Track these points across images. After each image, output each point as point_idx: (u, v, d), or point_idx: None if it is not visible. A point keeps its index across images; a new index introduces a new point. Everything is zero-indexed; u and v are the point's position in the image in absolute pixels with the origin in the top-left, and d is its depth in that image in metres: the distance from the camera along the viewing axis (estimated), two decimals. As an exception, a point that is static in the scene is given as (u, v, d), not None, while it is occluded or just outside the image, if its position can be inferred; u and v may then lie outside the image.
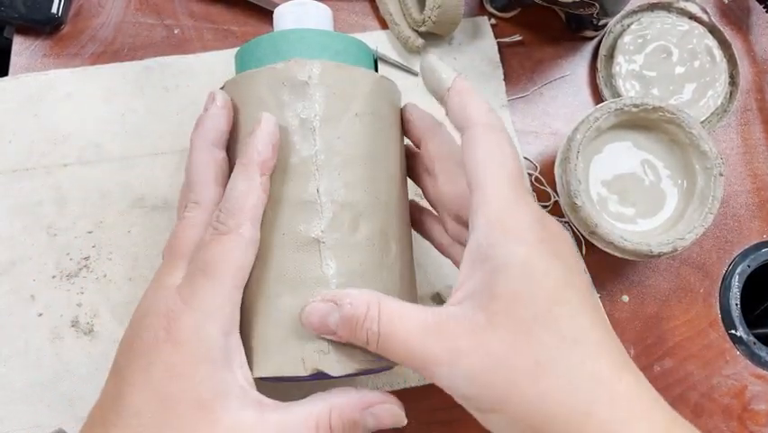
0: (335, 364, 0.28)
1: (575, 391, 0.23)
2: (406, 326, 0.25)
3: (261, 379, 0.29)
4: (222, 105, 0.30)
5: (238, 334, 0.28)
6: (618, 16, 0.47)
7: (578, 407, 0.22)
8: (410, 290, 0.32)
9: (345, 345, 0.28)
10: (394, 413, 0.28)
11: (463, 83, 0.28)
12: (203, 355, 0.26)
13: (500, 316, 0.23)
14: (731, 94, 0.47)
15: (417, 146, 0.33)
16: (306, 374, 0.28)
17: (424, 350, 0.24)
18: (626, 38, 0.47)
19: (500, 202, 0.25)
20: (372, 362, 0.28)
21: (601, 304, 0.23)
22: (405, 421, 0.28)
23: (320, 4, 0.33)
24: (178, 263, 0.28)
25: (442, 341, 0.24)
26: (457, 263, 0.31)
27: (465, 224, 0.29)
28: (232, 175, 0.28)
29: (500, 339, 0.23)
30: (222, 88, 0.32)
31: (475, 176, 0.26)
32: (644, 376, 0.24)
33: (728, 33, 0.48)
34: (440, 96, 0.30)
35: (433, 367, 0.24)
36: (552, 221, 0.26)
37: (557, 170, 0.42)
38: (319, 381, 0.29)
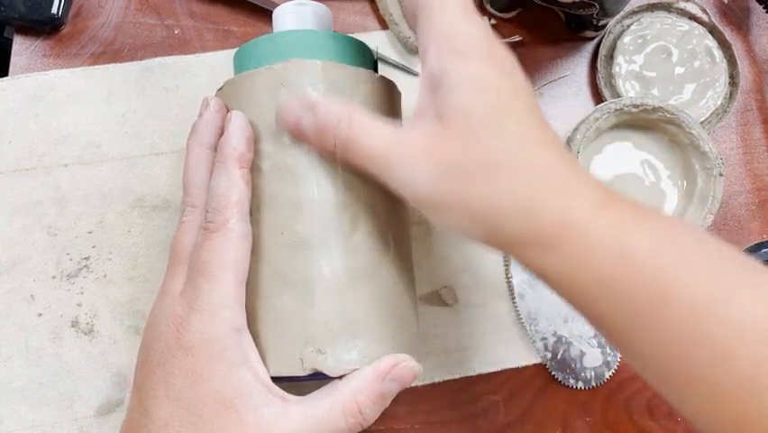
0: (334, 364, 0.28)
1: (521, 182, 0.25)
2: (371, 135, 0.27)
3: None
4: (216, 110, 0.31)
5: (248, 331, 0.28)
6: (618, 17, 0.47)
7: (523, 195, 0.25)
8: (409, 290, 0.32)
9: (344, 345, 0.28)
10: (411, 368, 0.29)
11: None
12: (217, 355, 0.26)
13: (454, 126, 0.25)
14: (731, 94, 0.47)
15: None
16: (304, 374, 0.28)
17: (386, 155, 0.26)
18: (626, 38, 0.47)
19: (446, 23, 0.26)
20: (371, 362, 0.28)
21: (544, 118, 0.27)
22: (421, 369, 0.29)
23: (319, 4, 0.33)
24: (180, 268, 0.29)
25: (403, 148, 0.26)
26: None
27: None
28: (213, 173, 0.29)
29: (454, 145, 0.25)
30: (221, 89, 0.32)
31: (422, 2, 0.27)
32: (583, 169, 0.27)
33: (728, 34, 0.48)
34: None
35: (394, 170, 0.26)
36: (496, 39, 0.27)
37: (557, 171, 0.42)
38: (318, 381, 0.29)
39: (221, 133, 0.30)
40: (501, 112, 0.25)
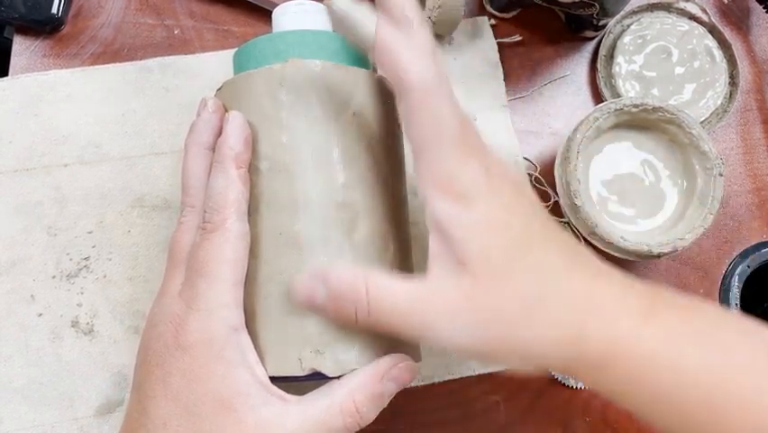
0: (332, 364, 0.28)
1: (561, 314, 0.25)
2: (395, 296, 0.25)
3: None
4: (214, 110, 0.31)
5: (246, 330, 0.28)
6: (618, 17, 0.47)
7: (567, 326, 0.25)
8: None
9: (343, 346, 0.28)
10: (410, 369, 0.29)
11: (386, 36, 0.26)
12: (215, 355, 0.26)
13: (481, 274, 0.25)
14: (731, 94, 0.47)
15: None
16: (303, 374, 0.28)
17: (417, 314, 0.25)
18: (626, 38, 0.47)
19: (442, 168, 0.25)
20: (369, 362, 0.28)
21: (563, 228, 0.27)
22: (419, 370, 0.30)
23: (319, 4, 0.33)
24: (179, 269, 0.29)
25: (434, 305, 0.25)
26: None
27: None
28: (211, 174, 0.29)
29: (487, 293, 0.24)
30: (220, 89, 0.32)
31: (417, 146, 0.26)
32: (619, 272, 0.27)
33: (728, 34, 0.48)
34: (364, 49, 0.29)
35: (429, 333, 0.25)
36: (498, 165, 0.27)
37: (557, 171, 0.42)
38: (316, 382, 0.29)
39: (219, 134, 0.30)
40: (522, 247, 0.25)
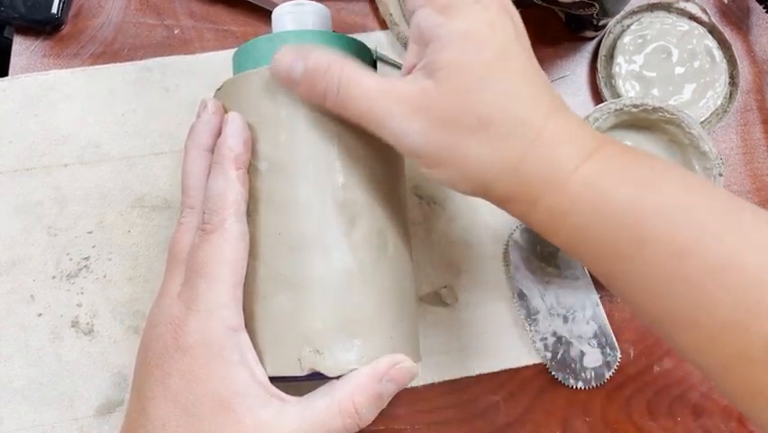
0: (331, 364, 0.28)
1: (509, 141, 0.25)
2: (363, 85, 0.27)
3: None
4: (213, 111, 0.31)
5: (245, 331, 0.28)
6: (618, 17, 0.47)
7: (511, 154, 0.25)
8: (408, 290, 0.32)
9: (342, 346, 0.28)
10: (409, 369, 0.29)
11: None
12: (214, 355, 0.26)
13: (446, 83, 0.25)
14: (731, 94, 0.47)
15: None
16: (302, 374, 0.28)
17: (379, 107, 0.26)
18: (626, 38, 0.47)
19: None
20: (369, 362, 0.28)
21: (540, 68, 0.27)
22: (418, 371, 0.29)
23: (318, 4, 0.33)
24: (178, 269, 0.29)
25: (395, 101, 0.26)
26: None
27: None
28: (210, 175, 0.29)
29: (446, 101, 0.25)
30: (220, 89, 0.32)
31: None
32: (579, 117, 0.27)
33: (728, 34, 0.48)
34: None
35: (387, 122, 0.26)
36: None
37: (557, 171, 0.42)
38: (316, 381, 0.29)
39: (218, 135, 0.30)
40: (492, 68, 0.25)
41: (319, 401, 0.27)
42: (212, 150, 0.30)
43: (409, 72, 0.28)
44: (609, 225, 0.25)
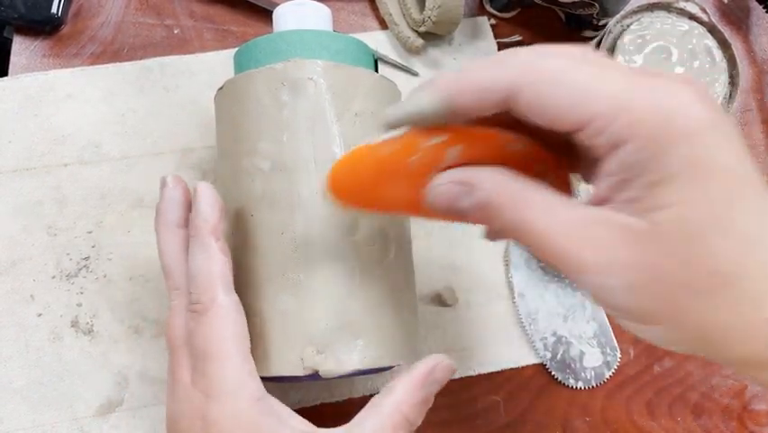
0: (333, 365, 0.28)
1: (746, 301, 0.19)
2: (550, 225, 0.21)
3: (261, 379, 0.29)
4: (174, 186, 0.30)
5: (269, 395, 0.27)
6: (618, 16, 0.47)
7: (748, 316, 0.19)
8: (409, 290, 0.32)
9: (345, 346, 0.28)
10: (449, 366, 0.28)
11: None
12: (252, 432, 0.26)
13: (666, 225, 0.19)
14: (731, 94, 0.47)
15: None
16: (304, 374, 0.28)
17: (571, 255, 0.21)
18: (626, 38, 0.47)
19: (628, 90, 0.20)
20: (372, 363, 0.28)
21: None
22: (455, 367, 0.29)
23: (319, 4, 0.33)
24: (181, 354, 0.28)
25: (592, 248, 0.20)
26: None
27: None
28: (189, 251, 0.28)
29: (664, 251, 0.19)
30: (221, 89, 0.32)
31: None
32: None
33: (728, 34, 0.48)
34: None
35: (582, 275, 0.21)
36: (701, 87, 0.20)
37: (557, 171, 0.42)
38: (317, 381, 0.29)
39: (186, 207, 0.29)
40: (730, 202, 0.19)
41: (369, 422, 0.27)
42: (182, 224, 0.29)
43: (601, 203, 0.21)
44: None
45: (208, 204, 0.28)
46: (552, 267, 0.23)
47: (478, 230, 0.43)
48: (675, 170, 0.19)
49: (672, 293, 0.20)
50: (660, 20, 0.48)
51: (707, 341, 0.20)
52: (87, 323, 0.39)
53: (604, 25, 0.47)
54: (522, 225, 0.22)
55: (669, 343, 0.22)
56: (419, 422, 0.28)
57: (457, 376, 0.40)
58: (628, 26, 0.48)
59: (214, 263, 0.27)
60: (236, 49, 0.33)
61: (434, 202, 0.24)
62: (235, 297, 0.28)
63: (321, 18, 0.33)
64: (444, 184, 0.23)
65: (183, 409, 0.27)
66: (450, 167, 0.23)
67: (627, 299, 0.20)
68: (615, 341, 0.42)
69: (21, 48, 0.44)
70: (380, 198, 0.26)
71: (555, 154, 0.24)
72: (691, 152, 0.19)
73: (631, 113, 0.19)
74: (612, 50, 0.47)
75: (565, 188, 0.25)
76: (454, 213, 0.23)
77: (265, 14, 0.45)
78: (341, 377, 0.28)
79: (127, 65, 0.44)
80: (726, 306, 0.19)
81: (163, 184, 0.30)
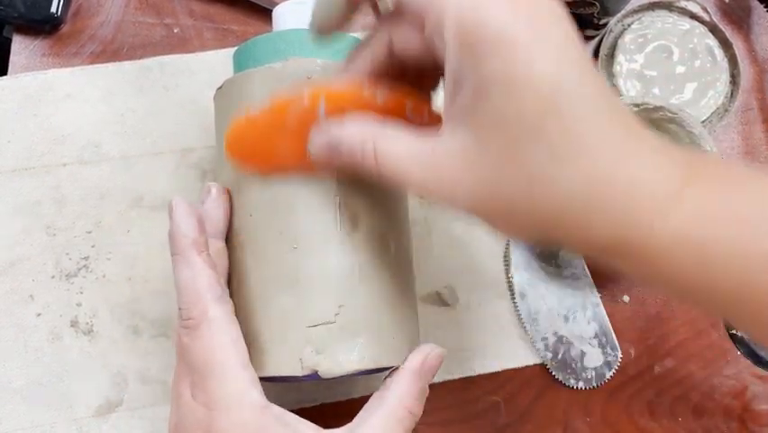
0: (333, 365, 0.28)
1: (572, 196, 0.21)
2: (402, 165, 0.24)
3: (259, 379, 0.29)
4: (188, 213, 0.29)
5: (270, 403, 0.27)
6: (619, 15, 0.47)
7: (574, 212, 0.21)
8: (409, 290, 0.32)
9: (344, 346, 0.28)
10: (439, 355, 0.29)
11: None
12: None
13: (487, 139, 0.22)
14: (732, 93, 0.47)
15: None
16: (303, 374, 0.28)
17: (422, 185, 0.24)
18: (627, 37, 0.47)
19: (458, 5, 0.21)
20: (371, 363, 0.28)
21: (605, 82, 0.23)
22: (445, 352, 0.30)
23: (319, 3, 0.33)
24: (182, 369, 0.28)
25: (437, 176, 0.23)
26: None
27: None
28: (173, 268, 0.28)
29: (491, 165, 0.22)
30: (220, 88, 0.32)
31: None
32: (656, 140, 0.22)
33: (729, 33, 0.48)
34: None
35: (432, 197, 0.24)
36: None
37: (557, 170, 0.42)
38: (317, 381, 0.29)
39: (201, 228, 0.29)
40: (544, 114, 0.20)
41: (374, 419, 0.27)
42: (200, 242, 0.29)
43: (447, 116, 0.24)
44: (709, 276, 0.21)
45: (183, 217, 0.28)
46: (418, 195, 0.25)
47: (478, 230, 0.43)
48: (490, 80, 0.21)
49: (506, 201, 0.22)
50: (661, 19, 0.48)
51: (547, 235, 0.23)
52: (87, 323, 0.39)
53: (605, 24, 0.47)
54: (382, 169, 0.24)
55: (519, 239, 0.25)
56: (420, 412, 0.28)
57: (457, 376, 0.40)
58: (629, 25, 0.48)
59: (200, 277, 0.27)
60: (236, 48, 0.33)
61: (316, 161, 0.26)
62: (227, 306, 0.28)
63: (321, 17, 0.33)
64: (316, 147, 0.26)
65: (187, 423, 0.27)
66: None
67: (473, 210, 0.23)
68: (616, 341, 0.41)
69: (20, 47, 0.44)
70: (276, 160, 0.28)
71: (422, 93, 0.27)
72: (504, 65, 0.20)
73: (449, 14, 0.21)
74: (613, 50, 0.47)
75: (433, 119, 0.27)
76: (337, 167, 0.26)
77: (265, 13, 0.45)
78: (340, 377, 0.28)
79: (127, 64, 0.43)
80: (550, 205, 0.21)
81: (170, 209, 0.29)
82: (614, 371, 0.41)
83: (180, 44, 0.45)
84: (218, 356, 0.26)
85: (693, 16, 0.48)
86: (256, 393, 0.27)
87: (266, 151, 0.28)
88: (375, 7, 0.27)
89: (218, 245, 0.30)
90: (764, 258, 0.21)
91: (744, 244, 0.21)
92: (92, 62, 0.44)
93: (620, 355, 0.41)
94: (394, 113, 0.26)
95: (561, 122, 0.21)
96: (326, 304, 0.28)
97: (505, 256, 0.43)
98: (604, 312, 0.42)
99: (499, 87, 0.21)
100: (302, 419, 0.27)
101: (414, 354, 0.29)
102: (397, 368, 0.29)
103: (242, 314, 0.29)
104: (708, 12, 0.48)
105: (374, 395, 0.28)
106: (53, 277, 0.39)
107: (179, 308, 0.28)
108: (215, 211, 0.30)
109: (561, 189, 0.21)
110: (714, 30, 0.48)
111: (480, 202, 0.23)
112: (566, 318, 0.41)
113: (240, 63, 0.32)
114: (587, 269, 0.42)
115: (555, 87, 0.20)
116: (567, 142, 0.21)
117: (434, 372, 0.29)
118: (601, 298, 0.42)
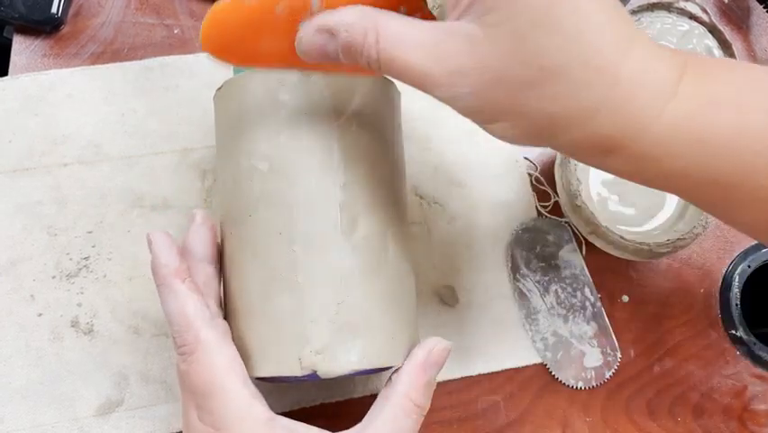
0: (332, 365, 0.28)
1: (575, 89, 0.21)
2: (405, 51, 0.23)
3: (259, 379, 0.29)
4: (166, 244, 0.29)
5: (277, 415, 0.28)
6: (619, 16, 0.47)
7: (578, 104, 0.22)
8: (409, 290, 0.32)
9: (343, 346, 0.28)
10: (446, 348, 0.30)
11: None
12: None
13: (496, 28, 0.21)
14: (731, 94, 0.47)
15: None
16: (302, 374, 0.28)
17: (425, 73, 0.23)
18: (627, 38, 0.47)
19: None
20: (371, 363, 0.28)
21: None
22: (450, 346, 0.30)
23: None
24: (186, 395, 0.28)
25: (441, 63, 0.22)
26: None
27: None
28: (160, 299, 0.28)
29: (499, 53, 0.21)
30: (220, 89, 0.32)
31: None
32: (653, 43, 0.23)
33: (728, 33, 0.48)
34: None
35: (434, 88, 0.23)
36: None
37: (557, 171, 0.42)
38: (316, 382, 0.29)
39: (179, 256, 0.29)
40: (551, 8, 0.21)
41: (383, 414, 0.28)
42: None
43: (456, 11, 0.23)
44: (705, 164, 0.22)
45: (162, 249, 0.28)
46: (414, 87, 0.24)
47: (478, 230, 0.43)
48: None
49: (511, 90, 0.22)
50: (660, 20, 0.48)
51: (547, 130, 0.22)
52: (87, 323, 0.39)
53: (604, 25, 0.47)
54: (383, 54, 0.23)
55: (516, 138, 0.23)
56: (428, 405, 0.29)
57: (458, 376, 0.40)
58: (629, 26, 0.48)
59: (187, 304, 0.28)
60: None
61: (304, 52, 0.25)
62: (220, 328, 0.28)
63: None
64: (309, 34, 0.25)
65: None
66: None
67: (476, 102, 0.22)
68: (615, 341, 0.42)
69: (21, 48, 0.44)
70: (256, 52, 0.26)
71: None
72: None
73: None
74: (612, 50, 0.47)
75: (426, 15, 0.27)
76: (326, 60, 0.25)
77: (265, 14, 0.45)
78: (340, 377, 0.28)
79: (127, 64, 0.44)
80: (553, 99, 0.21)
81: (149, 241, 0.30)
82: (613, 371, 0.41)
83: (181, 45, 0.45)
84: (217, 378, 0.27)
85: (692, 17, 0.48)
86: (260, 407, 0.27)
87: (248, 41, 0.26)
88: None
89: (208, 270, 0.30)
90: (760, 141, 0.22)
91: (739, 129, 0.22)
92: (92, 63, 0.44)
93: (620, 355, 0.41)
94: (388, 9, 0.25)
95: (575, 10, 0.21)
96: (326, 304, 0.28)
97: (505, 256, 0.43)
98: (603, 312, 0.42)
99: None
100: (311, 427, 0.28)
101: (418, 349, 0.29)
102: (392, 368, 0.30)
103: (243, 314, 0.29)
104: (707, 12, 0.48)
105: (381, 393, 0.29)
106: (54, 277, 0.39)
107: (173, 337, 0.28)
108: (202, 236, 0.30)
109: (570, 81, 0.21)
110: (713, 30, 0.48)
111: (483, 93, 0.22)
112: (566, 318, 0.42)
113: (240, 64, 0.32)
114: (587, 269, 0.43)
115: None
116: (579, 32, 0.21)
117: (441, 365, 0.30)
118: (601, 298, 0.42)
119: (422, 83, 0.23)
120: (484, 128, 0.24)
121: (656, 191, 0.43)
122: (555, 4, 0.21)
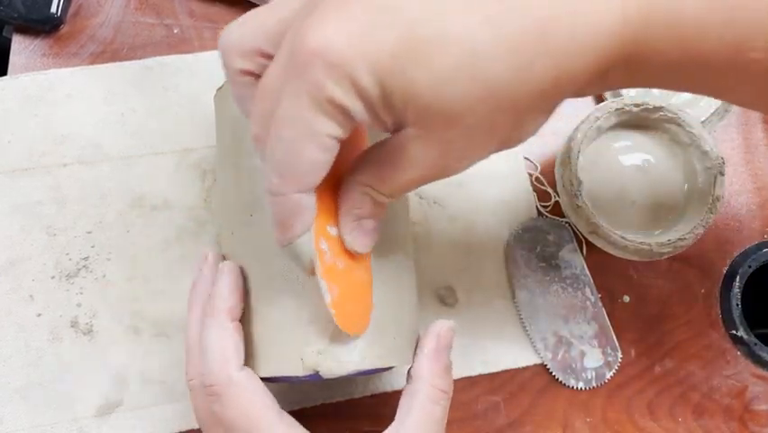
0: (334, 365, 0.28)
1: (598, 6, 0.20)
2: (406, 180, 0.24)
3: (260, 379, 0.29)
4: (228, 272, 0.29)
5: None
6: (619, 16, 0.47)
7: (604, 22, 0.21)
8: (409, 290, 0.32)
9: (345, 347, 0.28)
10: (450, 328, 0.31)
11: None
12: None
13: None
14: (732, 93, 0.47)
15: None
16: (304, 374, 0.28)
17: (434, 178, 0.24)
18: (627, 37, 0.47)
19: None
20: (372, 363, 0.28)
21: None
22: (454, 325, 0.31)
23: (319, 3, 0.33)
24: (216, 431, 0.29)
25: (434, 170, 0.23)
26: None
27: None
28: (204, 327, 0.28)
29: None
30: (220, 89, 0.32)
31: None
32: None
33: None
34: None
35: (455, 173, 0.24)
36: None
37: (557, 170, 0.42)
38: (318, 382, 0.29)
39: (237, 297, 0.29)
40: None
41: (413, 412, 0.28)
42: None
43: None
44: (702, 48, 0.21)
45: (228, 288, 0.28)
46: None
47: (478, 230, 0.43)
48: None
49: (529, 14, 0.20)
50: None
51: (561, 65, 0.21)
52: (87, 323, 0.39)
53: (605, 25, 0.47)
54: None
55: (538, 87, 0.21)
56: (452, 388, 0.30)
57: (458, 376, 0.40)
58: (629, 25, 0.47)
59: (229, 342, 0.28)
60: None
61: (353, 247, 0.26)
62: (248, 370, 0.28)
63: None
64: (348, 232, 0.26)
65: None
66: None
67: (495, 39, 0.20)
68: (616, 341, 0.41)
69: (20, 47, 0.44)
70: None
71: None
72: None
73: None
74: (613, 50, 0.47)
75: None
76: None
77: (265, 14, 0.45)
78: (341, 377, 0.28)
79: (126, 64, 0.43)
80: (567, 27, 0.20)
81: (204, 258, 0.30)
82: (614, 371, 0.41)
83: (180, 44, 0.45)
84: (255, 416, 0.27)
85: None
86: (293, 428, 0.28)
87: None
88: None
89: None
90: (756, 21, 0.21)
91: (736, 10, 0.21)
92: (92, 62, 0.44)
93: (620, 355, 0.41)
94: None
95: None
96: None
97: (505, 256, 0.43)
98: (604, 312, 0.42)
99: None
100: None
101: (426, 338, 0.30)
102: (393, 369, 0.30)
103: (245, 315, 0.29)
104: None
105: (404, 391, 0.29)
106: (53, 277, 0.39)
107: (202, 373, 0.28)
108: (229, 282, 0.30)
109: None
110: None
111: (505, 24, 0.20)
112: (566, 318, 0.41)
113: (240, 63, 0.32)
114: (587, 269, 0.42)
115: None
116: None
117: (451, 346, 0.30)
118: (601, 298, 0.42)
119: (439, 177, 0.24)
120: (526, 133, 0.23)
121: (656, 189, 0.43)
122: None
